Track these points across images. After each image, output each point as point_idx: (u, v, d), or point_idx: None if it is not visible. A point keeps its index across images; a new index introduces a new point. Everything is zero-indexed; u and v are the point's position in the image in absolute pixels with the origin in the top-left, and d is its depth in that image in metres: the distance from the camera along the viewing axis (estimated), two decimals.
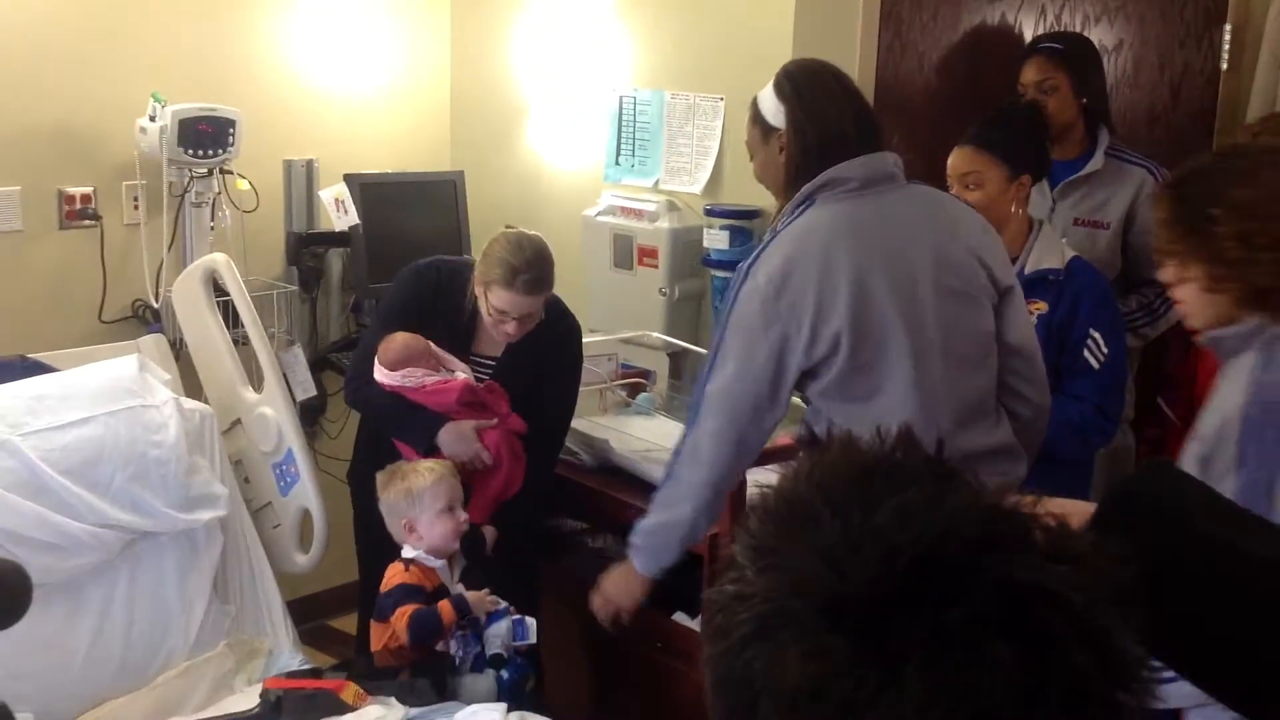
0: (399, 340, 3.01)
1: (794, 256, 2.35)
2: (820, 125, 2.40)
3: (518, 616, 2.84)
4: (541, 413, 3.11)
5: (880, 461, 0.83)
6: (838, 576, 0.77)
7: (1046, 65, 3.22)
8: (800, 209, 2.40)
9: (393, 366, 2.99)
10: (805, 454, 0.85)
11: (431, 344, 3.03)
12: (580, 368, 3.24)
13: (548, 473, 3.18)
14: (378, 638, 2.86)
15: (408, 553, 2.86)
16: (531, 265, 2.90)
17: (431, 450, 2.98)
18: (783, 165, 2.45)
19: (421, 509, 2.84)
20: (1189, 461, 1.86)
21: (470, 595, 2.82)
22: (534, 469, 3.09)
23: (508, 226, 3.05)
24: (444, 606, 2.78)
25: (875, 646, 0.74)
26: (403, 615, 2.78)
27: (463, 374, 3.02)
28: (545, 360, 3.09)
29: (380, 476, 2.93)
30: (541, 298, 2.96)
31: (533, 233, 3.01)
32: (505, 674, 2.81)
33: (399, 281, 3.17)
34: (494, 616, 2.83)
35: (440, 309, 3.07)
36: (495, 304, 2.94)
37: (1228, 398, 1.86)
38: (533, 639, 2.84)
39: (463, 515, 2.87)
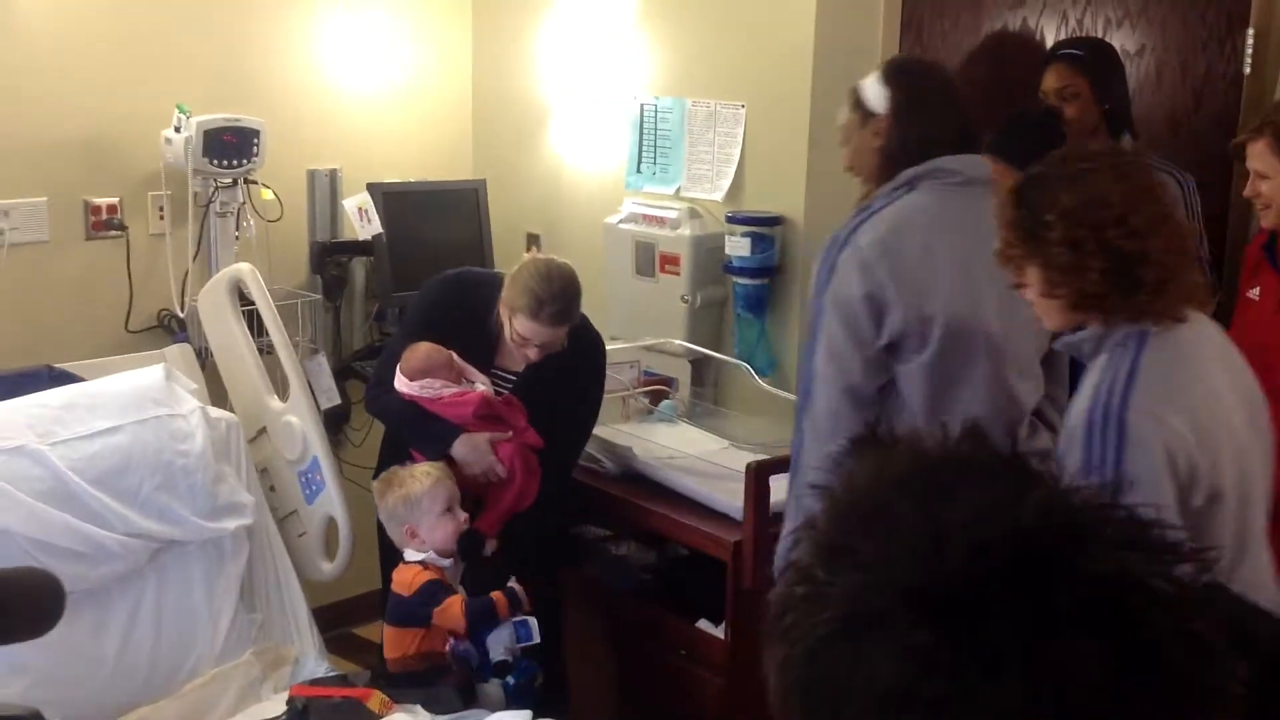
0: (421, 350, 3.02)
1: (898, 229, 2.40)
2: (923, 120, 2.45)
3: (519, 619, 2.84)
4: (557, 427, 3.11)
5: (951, 457, 0.82)
6: (926, 573, 0.74)
7: (1067, 72, 3.21)
8: (900, 191, 2.44)
9: (413, 376, 3.00)
10: (868, 453, 0.84)
11: (454, 355, 3.04)
12: (602, 387, 3.24)
13: (561, 485, 3.16)
14: (394, 644, 2.87)
15: (413, 555, 2.87)
16: (558, 298, 2.91)
17: (445, 460, 2.99)
18: (876, 151, 2.49)
19: (422, 513, 2.85)
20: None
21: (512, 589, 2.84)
22: (547, 480, 3.08)
23: (536, 250, 3.05)
24: (498, 598, 2.81)
25: (972, 642, 0.72)
26: (455, 603, 2.79)
27: (483, 386, 3.03)
28: (567, 378, 3.08)
29: (377, 485, 2.95)
30: (566, 328, 2.97)
31: (561, 261, 3.01)
32: (511, 679, 2.82)
33: (426, 291, 3.19)
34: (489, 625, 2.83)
35: (465, 320, 3.08)
36: (520, 331, 2.95)
37: (1079, 400, 1.89)
38: (537, 638, 2.84)
39: (462, 515, 2.89)
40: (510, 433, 3.00)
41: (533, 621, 2.84)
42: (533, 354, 2.99)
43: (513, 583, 2.86)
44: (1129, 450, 1.78)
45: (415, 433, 3.05)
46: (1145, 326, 1.87)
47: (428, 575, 2.83)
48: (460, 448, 2.97)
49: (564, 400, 3.09)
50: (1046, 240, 1.88)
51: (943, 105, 2.49)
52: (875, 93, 2.50)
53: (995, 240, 2.13)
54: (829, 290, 2.42)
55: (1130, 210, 1.84)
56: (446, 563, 2.89)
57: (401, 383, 3.02)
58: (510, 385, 3.10)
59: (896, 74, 2.52)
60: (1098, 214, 1.84)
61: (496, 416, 3.00)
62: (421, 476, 2.87)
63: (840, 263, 2.40)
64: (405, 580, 2.85)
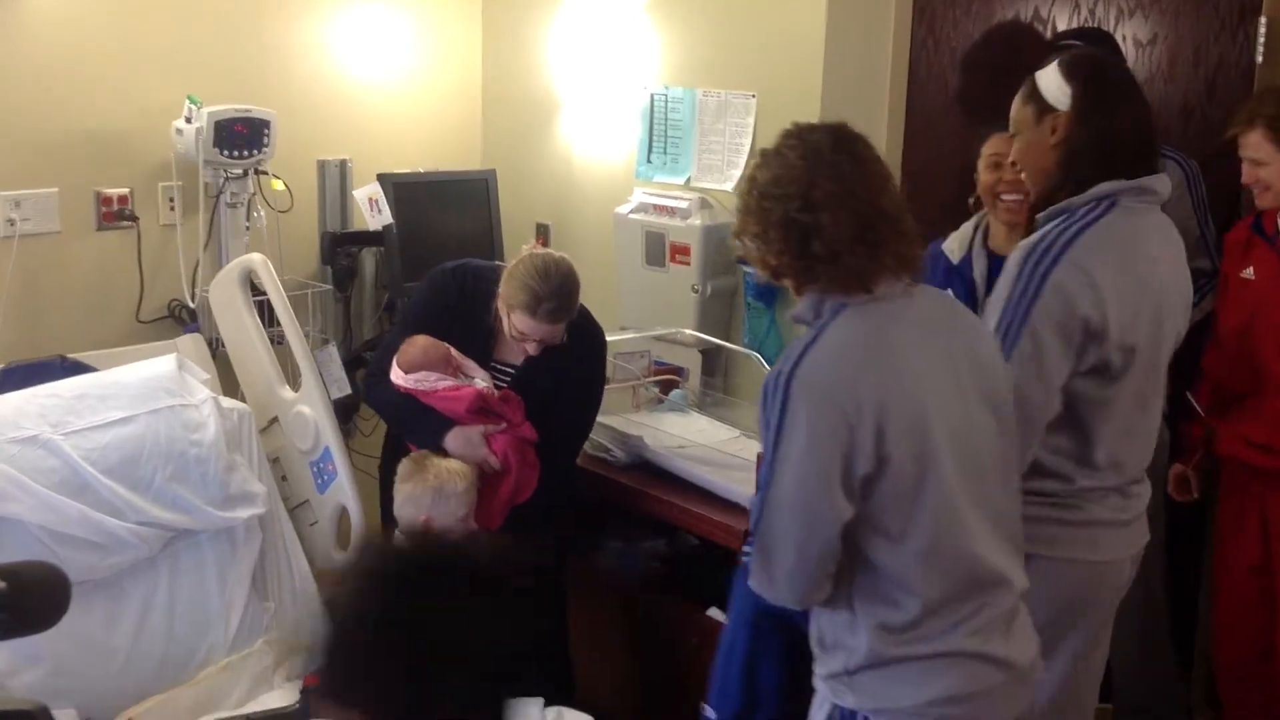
0: (419, 344, 3.02)
1: (1117, 249, 2.28)
2: (1108, 120, 2.33)
3: None
4: (559, 420, 3.10)
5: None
6: None
7: None
8: (1102, 206, 2.31)
9: (408, 369, 3.01)
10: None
11: (452, 349, 3.04)
12: (603, 379, 3.22)
13: (566, 476, 3.16)
14: None
15: None
16: (556, 294, 2.89)
17: (439, 453, 2.99)
18: (1051, 149, 2.36)
19: (445, 512, 2.85)
20: None
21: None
22: (552, 472, 3.08)
23: (540, 242, 3.03)
24: None
25: None
26: None
27: (481, 381, 3.02)
28: (567, 370, 3.07)
29: (406, 463, 2.95)
30: (564, 324, 2.96)
31: (560, 255, 2.98)
32: None
33: (426, 283, 3.18)
34: None
35: (464, 313, 3.07)
36: (517, 327, 2.94)
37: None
38: None
39: (473, 524, 2.90)
40: (504, 425, 2.99)
41: None
42: (531, 349, 2.98)
43: None
44: (787, 417, 1.87)
45: (408, 425, 3.04)
46: (846, 299, 1.95)
47: None
48: (453, 440, 2.96)
49: (565, 392, 3.08)
50: (747, 211, 2.01)
51: (1129, 108, 2.36)
52: (1055, 86, 2.36)
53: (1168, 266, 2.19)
54: (1038, 307, 2.24)
55: (810, 186, 1.92)
56: None
57: (397, 375, 3.02)
58: (509, 378, 3.09)
59: (1083, 67, 2.37)
60: (781, 189, 1.94)
61: (491, 412, 3.00)
62: (458, 477, 2.87)
63: (1059, 279, 2.25)
64: None
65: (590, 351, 3.14)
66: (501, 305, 2.96)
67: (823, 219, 1.92)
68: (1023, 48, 3.41)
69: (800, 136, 1.99)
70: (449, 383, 2.98)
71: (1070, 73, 2.36)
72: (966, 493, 1.94)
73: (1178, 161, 3.18)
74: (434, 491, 2.85)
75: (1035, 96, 2.39)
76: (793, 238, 1.94)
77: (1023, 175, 2.48)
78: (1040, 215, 2.37)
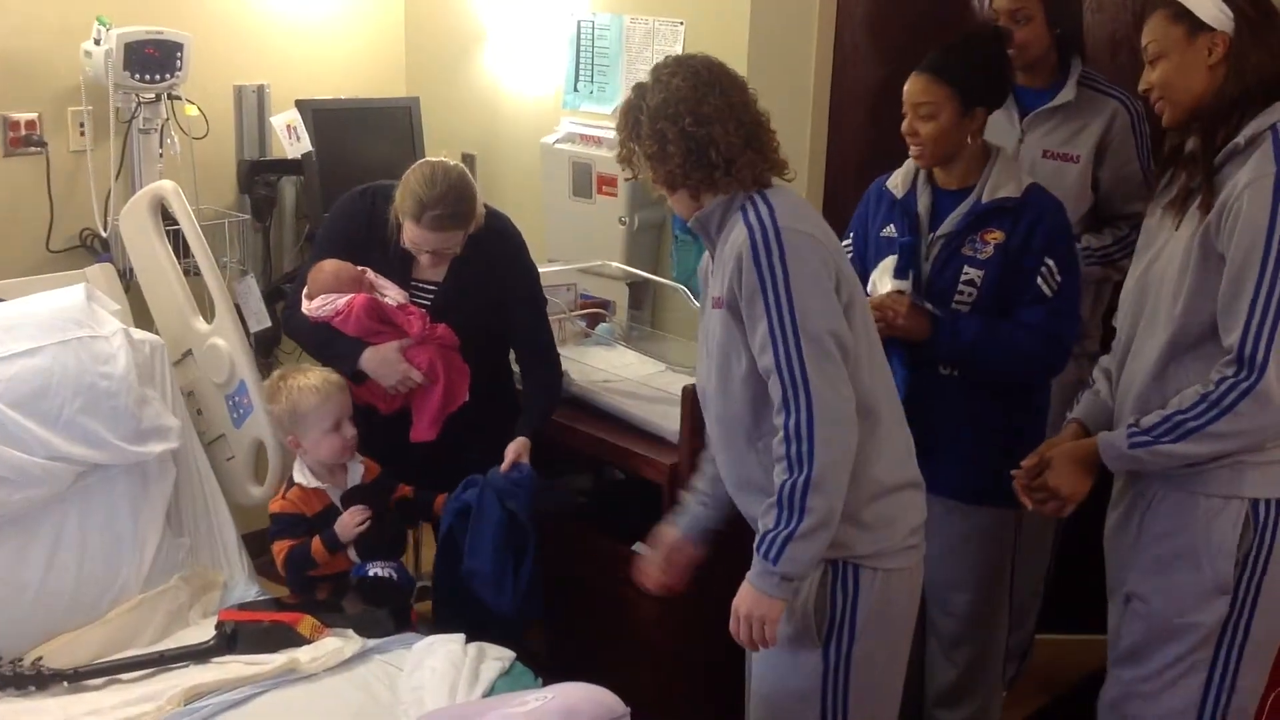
0: (327, 269, 2.98)
1: None
2: (1270, 47, 2.25)
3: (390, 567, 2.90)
4: (517, 335, 3.08)
5: None
6: None
7: None
8: None
9: (313, 296, 2.97)
10: None
11: (369, 271, 2.99)
12: (537, 277, 3.14)
13: (552, 370, 3.13)
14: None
15: (295, 466, 2.91)
16: (442, 200, 2.83)
17: (358, 376, 2.96)
18: (1209, 72, 2.28)
19: (306, 428, 2.86)
20: None
21: (339, 524, 2.86)
22: (539, 393, 3.07)
23: (444, 155, 2.96)
24: (315, 545, 2.84)
25: None
26: (280, 551, 2.85)
27: (398, 299, 2.98)
28: (495, 280, 3.02)
29: (267, 384, 2.96)
30: (456, 233, 2.89)
31: (453, 163, 2.91)
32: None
33: (334, 208, 3.12)
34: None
35: (376, 235, 3.01)
36: (408, 236, 2.90)
37: (731, 248, 2.22)
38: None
39: (350, 431, 2.88)
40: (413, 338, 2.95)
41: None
42: (425, 260, 2.94)
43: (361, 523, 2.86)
44: (789, 260, 2.12)
45: (325, 351, 3.01)
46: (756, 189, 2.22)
47: (281, 506, 2.88)
48: (368, 362, 2.93)
49: (499, 295, 3.03)
50: (640, 136, 2.23)
51: None
52: (1211, 3, 2.26)
53: None
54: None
55: (699, 103, 2.18)
56: (323, 485, 2.91)
57: (304, 304, 2.98)
58: (431, 296, 3.04)
59: None
60: (672, 108, 2.18)
61: (387, 321, 2.95)
62: (310, 392, 2.85)
63: None
64: (275, 503, 2.92)
65: (506, 244, 3.06)
66: (398, 216, 2.91)
67: (715, 131, 2.18)
68: None
69: (679, 63, 2.24)
70: (344, 300, 2.95)
71: None
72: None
73: (1121, 101, 3.15)
74: (289, 413, 2.86)
75: (1183, 14, 2.29)
76: (690, 150, 2.19)
77: (1158, 102, 2.38)
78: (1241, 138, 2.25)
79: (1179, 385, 2.32)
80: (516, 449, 2.94)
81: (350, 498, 2.91)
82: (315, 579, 2.88)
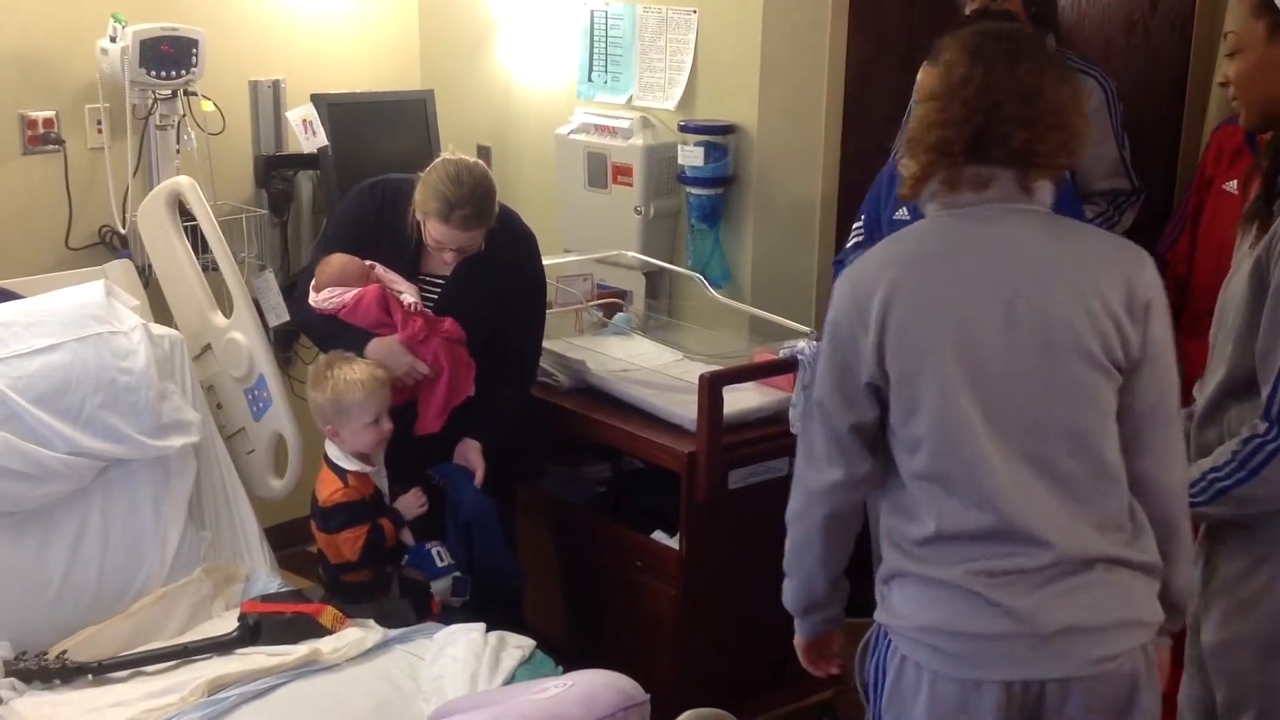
0: (335, 263, 3.00)
1: None
2: None
3: (460, 575, 2.91)
4: (506, 335, 3.08)
5: None
6: None
7: None
8: None
9: (319, 288, 2.99)
10: None
11: (377, 265, 3.01)
12: (543, 283, 3.17)
13: (519, 399, 3.13)
14: (333, 552, 2.90)
15: (336, 456, 2.90)
16: (469, 200, 2.84)
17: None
18: None
19: (348, 420, 2.86)
20: None
21: (401, 503, 2.93)
22: (505, 396, 3.07)
23: (452, 153, 2.96)
24: (386, 525, 2.89)
25: None
26: (358, 538, 2.85)
27: (408, 295, 2.99)
28: (498, 272, 3.03)
29: (312, 370, 2.95)
30: (480, 231, 2.91)
31: (474, 161, 2.93)
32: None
33: (344, 201, 3.14)
34: (436, 571, 2.90)
35: (386, 229, 3.02)
36: (433, 235, 2.90)
37: None
38: (467, 596, 2.93)
39: (388, 425, 2.89)
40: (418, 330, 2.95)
41: (468, 580, 2.93)
42: (449, 258, 2.95)
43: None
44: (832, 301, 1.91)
45: (330, 344, 3.01)
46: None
47: (345, 495, 2.87)
48: (374, 352, 2.94)
49: (503, 293, 3.04)
50: None
51: None
52: None
53: None
54: None
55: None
56: (373, 469, 2.93)
57: (311, 296, 3.00)
58: (438, 291, 3.05)
59: None
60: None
61: (393, 315, 2.97)
62: (355, 386, 2.85)
63: None
64: (324, 494, 2.89)
65: (519, 247, 3.08)
66: (418, 213, 2.92)
67: None
68: None
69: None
70: (352, 293, 2.96)
71: None
72: (993, 435, 1.80)
73: (1097, 79, 3.16)
74: (333, 405, 2.86)
75: (1267, 6, 2.01)
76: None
77: (1235, 101, 2.13)
78: None
79: (1225, 431, 2.06)
80: (464, 451, 3.00)
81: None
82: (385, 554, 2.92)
